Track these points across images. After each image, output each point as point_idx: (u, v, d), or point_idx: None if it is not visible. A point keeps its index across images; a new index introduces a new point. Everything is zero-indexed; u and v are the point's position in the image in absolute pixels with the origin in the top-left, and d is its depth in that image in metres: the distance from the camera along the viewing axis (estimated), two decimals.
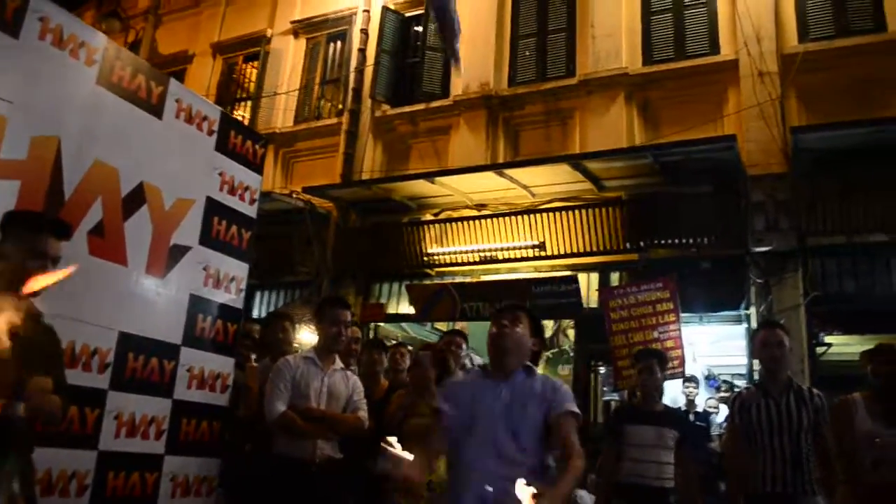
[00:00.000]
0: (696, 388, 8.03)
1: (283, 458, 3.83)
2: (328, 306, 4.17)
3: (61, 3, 3.62)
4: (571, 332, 9.39)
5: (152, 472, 3.76)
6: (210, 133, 4.35)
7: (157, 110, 4.03)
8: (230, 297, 4.34)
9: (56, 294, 3.04)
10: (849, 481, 3.75)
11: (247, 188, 4.54)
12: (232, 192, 4.43)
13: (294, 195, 10.26)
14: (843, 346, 7.73)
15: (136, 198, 3.84)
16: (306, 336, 7.97)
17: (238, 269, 4.41)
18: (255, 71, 12.54)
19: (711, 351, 9.06)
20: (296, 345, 5.42)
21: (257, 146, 4.70)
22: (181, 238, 4.06)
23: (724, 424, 6.40)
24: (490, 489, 2.59)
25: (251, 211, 4.57)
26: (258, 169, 4.70)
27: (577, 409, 2.83)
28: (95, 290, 3.55)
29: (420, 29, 11.03)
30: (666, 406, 5.03)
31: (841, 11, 8.43)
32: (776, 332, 4.29)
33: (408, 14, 11.30)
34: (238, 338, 4.44)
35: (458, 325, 9.58)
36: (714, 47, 8.93)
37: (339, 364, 4.14)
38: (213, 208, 4.28)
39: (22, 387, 2.32)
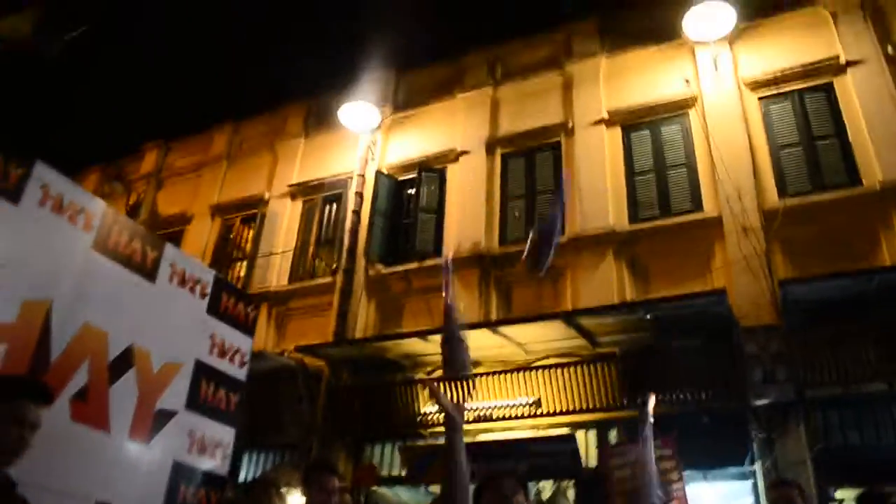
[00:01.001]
0: None
1: None
2: (316, 472, 4.03)
3: (66, 166, 3.76)
4: (571, 493, 9.01)
5: None
6: (203, 296, 4.38)
7: (150, 274, 4.08)
8: (215, 463, 4.19)
9: (31, 461, 2.95)
10: None
11: (237, 350, 4.51)
12: (222, 354, 4.40)
13: (286, 354, 10.19)
14: (852, 501, 7.43)
15: (124, 361, 3.81)
16: (296, 502, 7.63)
17: (224, 434, 4.30)
18: (251, 231, 12.83)
19: None
20: None
21: (249, 309, 4.72)
22: (167, 402, 3.98)
23: None
24: None
25: (241, 374, 4.51)
26: (249, 331, 4.69)
27: None
28: (74, 456, 3.43)
29: (413, 191, 11.40)
30: None
31: (815, 167, 8.83)
32: (785, 490, 4.16)
33: (401, 178, 11.72)
34: None
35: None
36: (697, 205, 9.23)
37: None
38: (202, 371, 4.23)
39: None
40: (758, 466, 7.46)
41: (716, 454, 7.66)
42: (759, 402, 7.60)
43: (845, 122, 8.85)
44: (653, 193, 9.62)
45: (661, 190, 9.59)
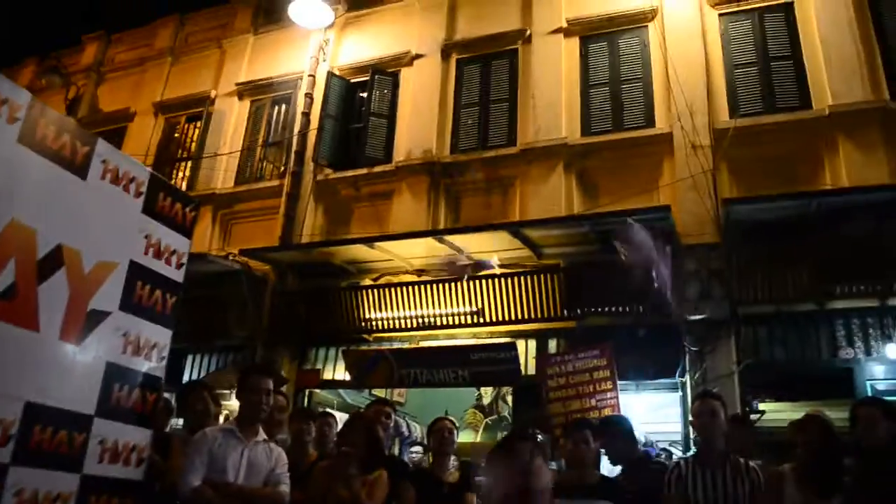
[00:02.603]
0: (670, 458, 7.96)
1: None
2: (250, 375, 4.04)
3: (1, 57, 3.51)
4: (510, 399, 9.31)
5: None
6: (137, 195, 4.21)
7: (81, 171, 3.89)
8: (151, 364, 4.14)
9: None
10: None
11: (174, 252, 4.39)
12: (158, 255, 4.28)
13: (231, 257, 10.07)
14: (775, 412, 7.81)
15: (54, 260, 3.67)
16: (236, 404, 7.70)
17: (160, 336, 4.22)
18: (197, 131, 12.45)
19: (649, 418, 9.03)
20: (226, 412, 5.22)
21: (188, 209, 4.57)
22: (100, 303, 3.87)
23: None
24: None
25: (178, 275, 4.40)
26: (187, 232, 4.55)
27: None
28: (2, 356, 3.35)
29: (364, 95, 11.12)
30: (602, 477, 4.75)
31: (768, 89, 8.85)
32: (708, 402, 4.31)
33: (353, 80, 11.41)
34: (157, 408, 4.22)
35: (395, 392, 9.44)
36: (649, 120, 9.23)
37: (262, 436, 3.99)
38: (137, 272, 4.11)
39: None
40: (687, 378, 7.77)
41: (649, 366, 7.95)
42: (694, 318, 7.84)
43: (801, 44, 8.82)
44: (607, 107, 9.56)
45: (615, 104, 9.54)
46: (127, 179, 4.15)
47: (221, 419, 5.35)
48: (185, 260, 4.48)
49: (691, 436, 7.28)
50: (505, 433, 9.38)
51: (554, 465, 8.30)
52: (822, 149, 8.30)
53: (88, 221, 3.89)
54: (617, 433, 4.98)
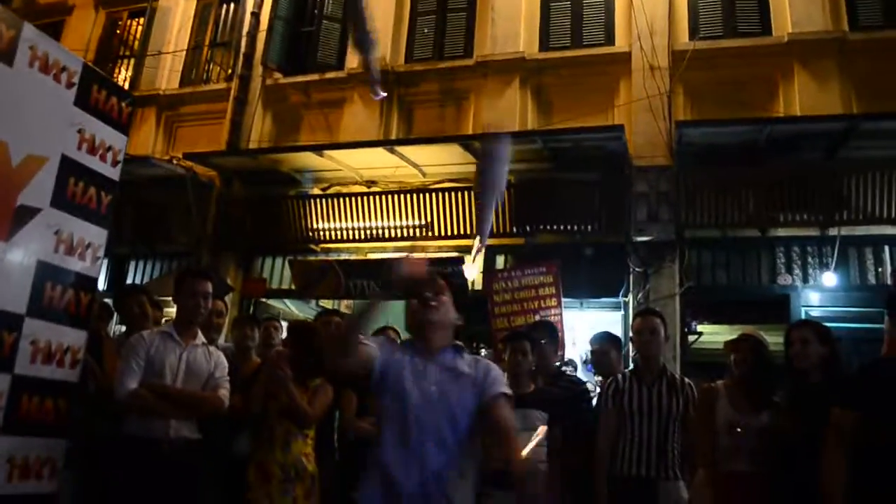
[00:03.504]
0: (575, 371, 8.17)
1: (132, 439, 3.60)
2: (187, 277, 3.94)
3: None
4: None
5: None
6: (69, 86, 3.97)
7: (7, 57, 3.63)
8: (85, 264, 3.99)
9: None
10: (706, 467, 3.85)
11: (109, 148, 4.18)
12: (92, 151, 4.07)
13: (175, 161, 9.75)
14: (713, 334, 8.05)
15: None
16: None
17: (95, 236, 4.06)
18: (140, 28, 11.83)
19: (591, 336, 9.24)
20: (165, 319, 5.11)
21: (124, 104, 4.34)
22: (30, 199, 3.69)
23: None
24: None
25: (113, 173, 4.21)
26: (124, 129, 4.33)
27: (509, 391, 2.69)
28: None
29: None
30: (538, 388, 4.74)
31: (730, 13, 8.75)
32: (650, 319, 4.38)
33: None
34: (92, 309, 4.10)
35: (343, 303, 9.42)
36: (609, 38, 9.08)
37: (200, 339, 3.92)
38: (69, 168, 3.90)
39: None
40: (630, 298, 7.92)
41: (594, 285, 8.09)
42: (640, 239, 7.93)
43: None
44: (567, 22, 9.34)
45: (575, 19, 9.32)
46: (57, 68, 3.90)
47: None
48: (121, 157, 4.28)
49: (630, 353, 7.48)
50: None
51: None
52: (778, 76, 8.29)
53: (16, 112, 3.66)
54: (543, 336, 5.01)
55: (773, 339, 4.16)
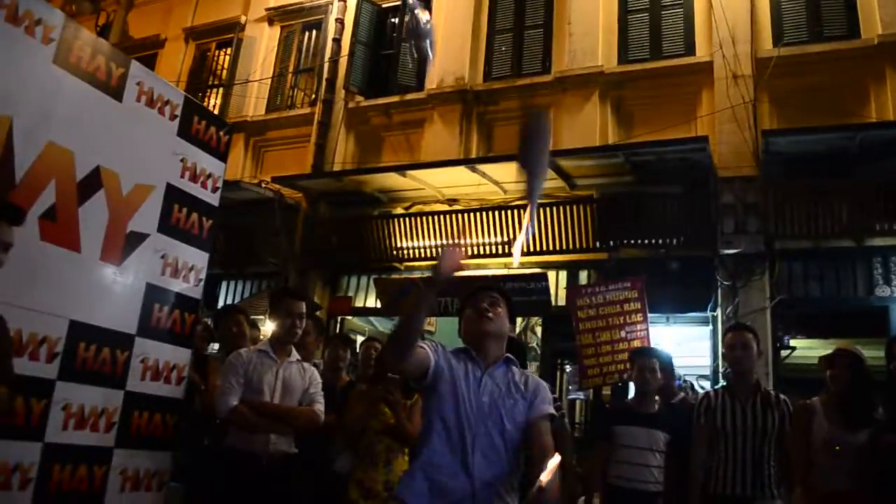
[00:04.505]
0: (693, 393, 8.00)
1: (233, 453, 3.74)
2: (282, 297, 4.09)
3: None
4: (539, 330, 9.36)
5: (101, 465, 3.64)
6: (172, 118, 4.23)
7: (117, 93, 3.90)
8: (188, 286, 4.22)
9: (4, 280, 2.95)
10: (804, 486, 3.74)
11: (209, 175, 4.42)
12: (194, 178, 4.31)
13: (263, 185, 10.11)
14: (806, 349, 7.79)
15: (92, 182, 3.72)
16: (270, 328, 7.85)
17: (197, 259, 4.30)
18: (227, 58, 12.34)
19: (677, 351, 9.03)
20: (262, 337, 5.30)
21: (221, 133, 4.57)
22: (139, 225, 3.94)
23: None
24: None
25: (213, 199, 4.44)
26: (222, 156, 4.57)
27: (554, 412, 2.71)
28: (46, 276, 3.43)
29: (396, 20, 10.92)
30: (664, 406, 4.73)
31: (815, 17, 8.49)
32: (742, 334, 4.29)
33: (384, 5, 11.18)
34: (195, 329, 4.32)
35: (427, 321, 9.53)
36: (689, 48, 8.94)
37: (295, 356, 4.06)
38: (174, 195, 4.15)
39: None
40: (719, 313, 7.73)
41: (681, 299, 7.93)
42: (728, 251, 7.74)
43: None
44: (645, 34, 9.27)
45: (654, 31, 9.23)
46: (161, 102, 4.16)
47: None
48: (220, 184, 4.51)
49: (720, 369, 7.31)
50: (533, 363, 9.50)
51: (581, 395, 8.48)
52: (868, 80, 7.99)
53: (125, 144, 3.92)
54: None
55: (871, 354, 4.02)
